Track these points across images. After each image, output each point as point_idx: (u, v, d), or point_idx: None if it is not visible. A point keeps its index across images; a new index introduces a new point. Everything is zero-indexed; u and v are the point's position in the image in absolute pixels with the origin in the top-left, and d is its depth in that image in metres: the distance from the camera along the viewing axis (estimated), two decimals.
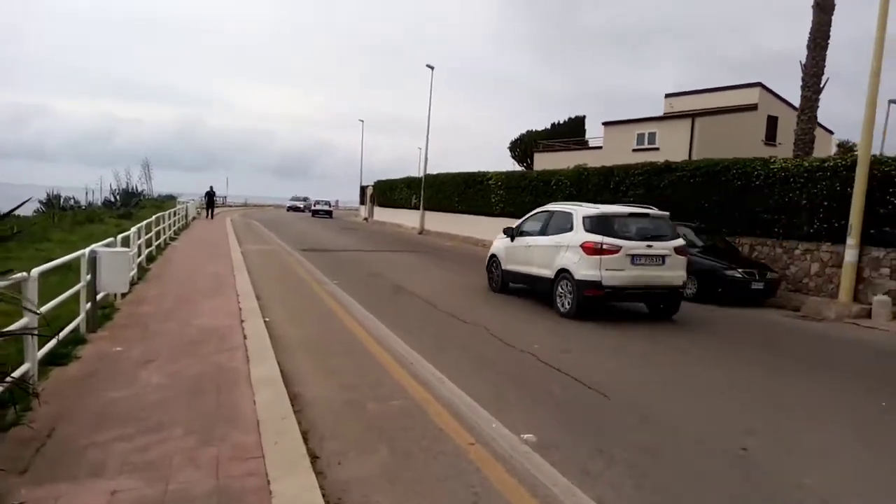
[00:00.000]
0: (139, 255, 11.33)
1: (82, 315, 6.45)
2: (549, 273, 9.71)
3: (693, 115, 27.09)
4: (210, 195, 36.44)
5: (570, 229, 9.49)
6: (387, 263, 16.02)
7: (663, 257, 9.03)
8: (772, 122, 28.72)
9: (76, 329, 6.31)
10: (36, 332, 4.53)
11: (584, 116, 43.91)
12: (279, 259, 15.65)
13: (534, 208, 11.10)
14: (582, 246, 9.02)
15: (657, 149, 27.02)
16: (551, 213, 10.50)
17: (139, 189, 43.33)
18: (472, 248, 23.10)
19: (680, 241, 9.41)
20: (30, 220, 18.42)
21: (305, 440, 3.94)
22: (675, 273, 9.16)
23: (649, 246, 8.98)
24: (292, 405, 4.55)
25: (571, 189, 19.25)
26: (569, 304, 9.17)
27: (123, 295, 8.62)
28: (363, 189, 53.33)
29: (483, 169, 26.44)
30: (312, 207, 52.15)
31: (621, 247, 8.79)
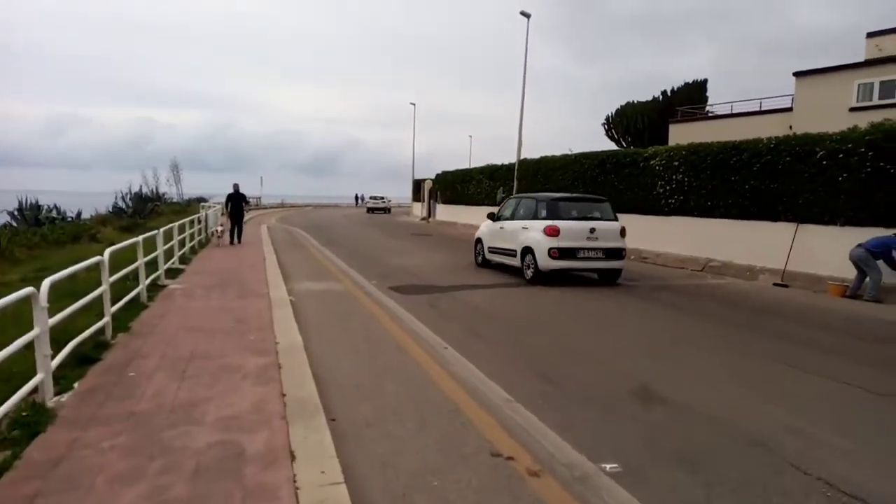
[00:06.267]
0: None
1: None
2: None
3: None
4: (236, 198, 18.65)
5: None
6: (594, 330, 7.99)
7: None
8: None
9: None
10: None
11: (705, 80, 35.05)
12: (370, 329, 7.55)
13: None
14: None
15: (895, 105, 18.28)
16: None
17: (161, 192, 36.53)
18: (651, 267, 14.88)
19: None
20: None
21: None
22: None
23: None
24: None
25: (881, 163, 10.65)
26: None
27: None
28: (417, 183, 45.53)
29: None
30: (368, 205, 57.97)
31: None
